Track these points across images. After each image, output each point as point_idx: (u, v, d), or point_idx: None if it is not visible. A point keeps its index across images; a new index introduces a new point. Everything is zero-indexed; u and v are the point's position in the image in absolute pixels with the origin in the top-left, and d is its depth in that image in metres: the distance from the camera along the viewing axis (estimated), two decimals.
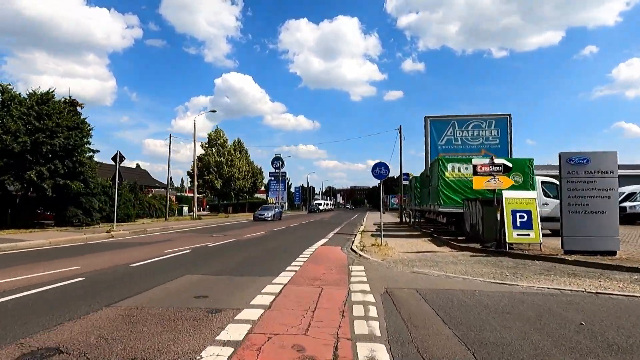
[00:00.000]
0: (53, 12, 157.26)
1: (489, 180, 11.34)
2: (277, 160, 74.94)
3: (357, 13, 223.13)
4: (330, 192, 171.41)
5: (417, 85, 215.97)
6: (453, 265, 8.88)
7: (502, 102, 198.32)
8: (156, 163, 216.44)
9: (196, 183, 34.42)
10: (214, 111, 35.31)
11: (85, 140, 21.51)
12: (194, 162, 34.25)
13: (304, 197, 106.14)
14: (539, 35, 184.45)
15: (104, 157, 47.94)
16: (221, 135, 47.65)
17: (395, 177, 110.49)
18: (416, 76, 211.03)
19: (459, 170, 15.47)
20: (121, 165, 19.98)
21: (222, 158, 46.06)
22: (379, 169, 13.60)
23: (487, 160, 11.39)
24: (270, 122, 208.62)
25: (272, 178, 74.46)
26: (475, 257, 10.23)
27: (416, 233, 18.74)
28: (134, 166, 71.41)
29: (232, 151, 48.03)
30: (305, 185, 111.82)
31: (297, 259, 9.86)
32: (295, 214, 58.12)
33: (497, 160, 11.52)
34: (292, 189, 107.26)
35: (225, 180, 45.77)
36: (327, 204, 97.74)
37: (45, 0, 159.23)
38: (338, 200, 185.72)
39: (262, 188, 75.56)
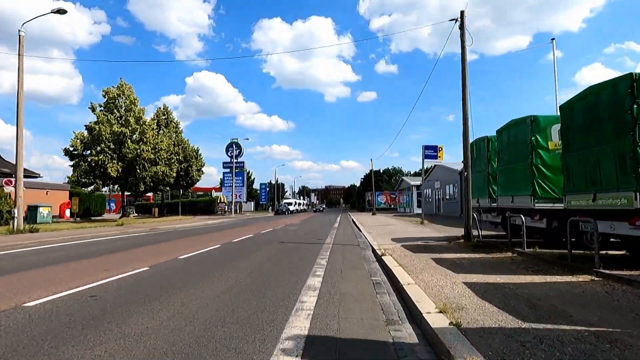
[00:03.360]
0: (15, 5, 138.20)
1: None
2: (233, 147, 57.33)
3: (330, 13, 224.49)
4: (303, 192, 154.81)
5: (391, 86, 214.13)
6: None
7: (472, 104, 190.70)
8: None
9: (21, 158, 16.62)
10: (62, 11, 17.61)
11: None
12: (17, 114, 16.63)
13: (271, 196, 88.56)
14: (508, 39, 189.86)
15: None
16: (127, 93, 29.86)
17: (382, 170, 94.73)
18: (390, 77, 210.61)
19: None
20: None
21: (125, 129, 28.29)
22: None
23: None
24: (244, 122, 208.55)
25: (227, 170, 56.74)
26: None
27: None
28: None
29: (144, 118, 30.29)
30: (274, 182, 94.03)
31: None
32: (255, 217, 41.02)
33: None
34: (257, 186, 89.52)
35: (129, 163, 28.02)
36: (300, 204, 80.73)
37: None
38: (312, 200, 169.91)
39: (215, 182, 57.69)
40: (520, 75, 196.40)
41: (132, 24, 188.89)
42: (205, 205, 47.62)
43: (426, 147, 21.87)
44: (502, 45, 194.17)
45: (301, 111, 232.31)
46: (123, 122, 28.61)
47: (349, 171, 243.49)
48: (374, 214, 46.36)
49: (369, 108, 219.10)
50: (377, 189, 72.95)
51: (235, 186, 56.60)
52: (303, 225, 24.71)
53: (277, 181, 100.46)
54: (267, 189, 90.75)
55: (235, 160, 57.10)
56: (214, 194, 51.63)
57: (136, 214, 48.40)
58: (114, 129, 27.52)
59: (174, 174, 32.15)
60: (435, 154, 21.91)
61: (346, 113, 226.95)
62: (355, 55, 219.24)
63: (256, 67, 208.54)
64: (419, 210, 48.96)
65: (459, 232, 12.95)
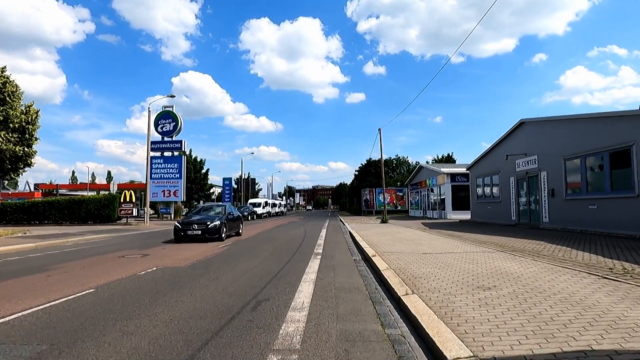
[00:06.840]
0: None
1: None
2: (166, 119, 37.68)
3: (318, 14, 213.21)
4: (288, 192, 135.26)
5: (379, 88, 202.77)
6: None
7: (459, 106, 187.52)
8: (111, 165, 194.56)
9: None
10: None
11: None
12: None
13: (239, 195, 68.80)
14: (495, 42, 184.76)
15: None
16: None
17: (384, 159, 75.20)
18: (378, 79, 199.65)
19: None
20: None
21: None
22: None
23: None
24: (231, 122, 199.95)
25: (157, 155, 37.05)
26: None
27: None
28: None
29: None
30: (245, 177, 74.12)
31: None
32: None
33: None
34: (220, 182, 69.53)
35: None
36: (275, 205, 60.84)
37: None
38: (297, 201, 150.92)
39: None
40: (507, 77, 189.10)
41: (117, 23, 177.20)
42: (98, 207, 27.96)
43: None
44: (488, 48, 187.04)
45: (289, 112, 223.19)
46: None
47: (337, 172, 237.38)
48: (384, 221, 27.09)
49: (357, 109, 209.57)
50: (377, 185, 53.60)
51: (165, 177, 36.99)
52: (202, 271, 5.59)
53: (249, 175, 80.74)
54: (235, 185, 70.95)
55: (171, 140, 37.63)
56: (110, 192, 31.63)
57: None
58: None
59: None
60: None
61: (335, 114, 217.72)
62: (343, 57, 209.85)
63: (244, 68, 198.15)
64: (459, 215, 28.86)
65: None
